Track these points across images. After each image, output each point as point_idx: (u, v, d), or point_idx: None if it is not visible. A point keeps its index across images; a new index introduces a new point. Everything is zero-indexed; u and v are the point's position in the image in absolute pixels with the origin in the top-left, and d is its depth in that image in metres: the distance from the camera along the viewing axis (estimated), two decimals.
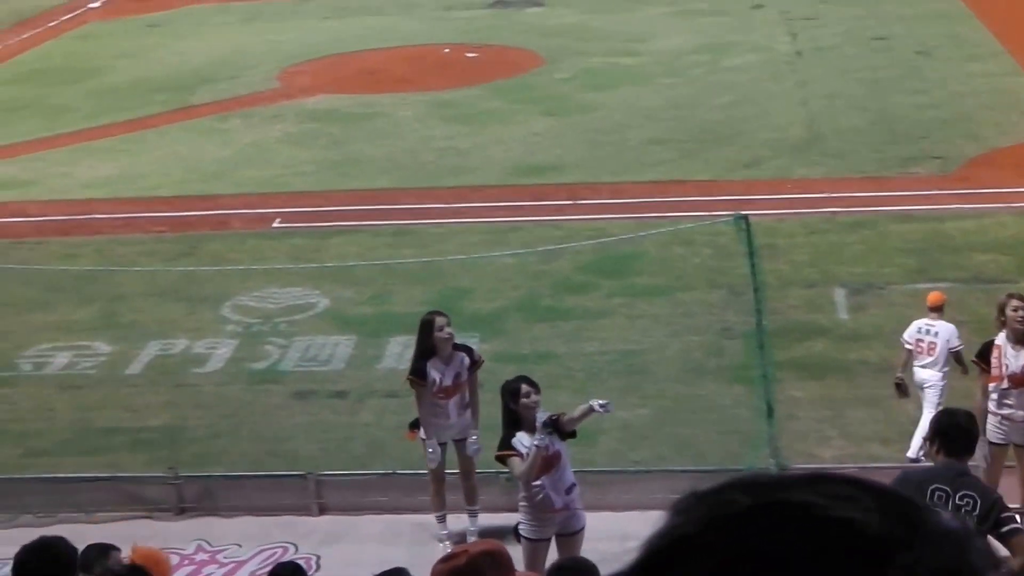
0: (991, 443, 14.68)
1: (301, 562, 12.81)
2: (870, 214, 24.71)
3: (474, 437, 15.25)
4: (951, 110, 30.32)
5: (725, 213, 22.16)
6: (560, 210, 25.49)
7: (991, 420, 14.70)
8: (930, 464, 12.31)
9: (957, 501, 10.51)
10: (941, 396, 16.29)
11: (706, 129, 29.90)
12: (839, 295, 21.70)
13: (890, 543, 1.51)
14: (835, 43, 36.33)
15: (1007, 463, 14.97)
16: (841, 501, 1.55)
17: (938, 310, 16.89)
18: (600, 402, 13.30)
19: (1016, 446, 14.72)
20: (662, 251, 23.09)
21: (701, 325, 20.64)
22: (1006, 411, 14.59)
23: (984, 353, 14.88)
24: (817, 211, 24.96)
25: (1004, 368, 14.62)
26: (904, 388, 16.77)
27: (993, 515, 10.65)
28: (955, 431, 11.07)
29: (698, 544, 1.54)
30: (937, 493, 10.53)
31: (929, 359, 16.53)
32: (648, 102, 32.09)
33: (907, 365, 16.80)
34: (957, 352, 16.45)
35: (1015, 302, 14.93)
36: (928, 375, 16.50)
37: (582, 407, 13.33)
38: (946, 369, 16.51)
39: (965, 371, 16.26)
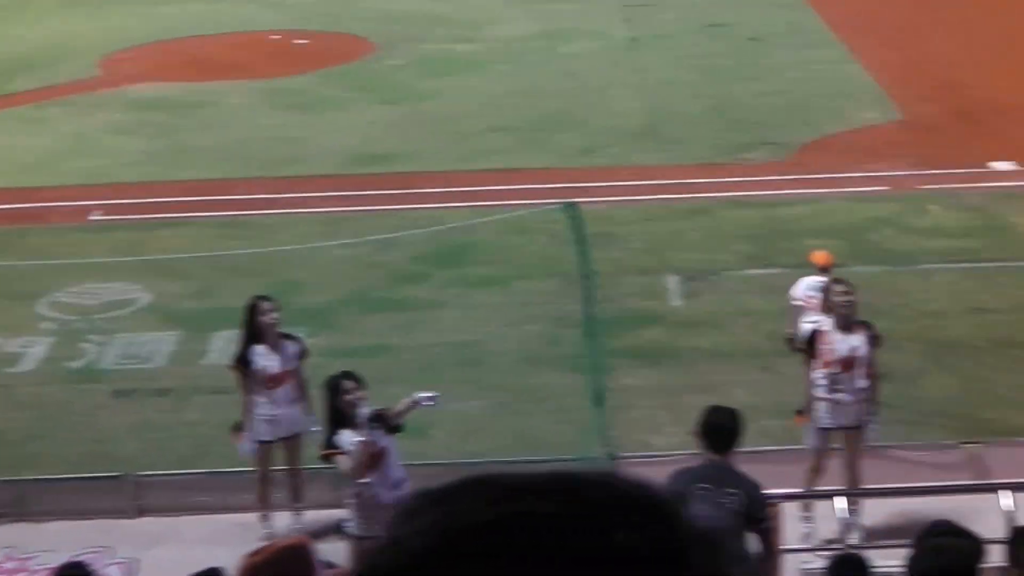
0: (820, 428, 14.74)
1: (116, 567, 12.53)
2: (706, 201, 24.68)
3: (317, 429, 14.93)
4: (785, 97, 30.45)
5: (559, 201, 22.04)
6: (395, 199, 25.11)
7: (821, 406, 14.71)
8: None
9: (722, 498, 10.90)
10: None
11: (543, 116, 29.71)
12: (673, 282, 21.57)
13: (648, 562, 1.43)
14: (671, 30, 36.42)
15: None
16: (595, 512, 1.45)
17: (827, 270, 17.13)
18: (425, 395, 13.18)
19: (845, 429, 14.64)
20: (498, 240, 22.90)
21: (537, 314, 20.44)
22: (836, 396, 14.54)
23: (809, 339, 14.78)
24: (653, 198, 24.90)
25: (832, 353, 14.49)
26: (795, 343, 16.75)
27: (755, 511, 11.12)
28: (717, 428, 11.49)
29: (428, 567, 1.43)
30: (702, 491, 10.83)
31: (818, 316, 16.25)
32: (485, 89, 31.89)
33: (795, 321, 16.98)
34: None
35: (839, 287, 15.12)
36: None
37: (406, 400, 13.23)
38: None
39: None
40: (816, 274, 17.23)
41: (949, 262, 21.95)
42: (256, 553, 7.58)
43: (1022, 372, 18.68)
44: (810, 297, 16.83)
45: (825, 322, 14.85)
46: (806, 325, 16.48)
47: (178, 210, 25.17)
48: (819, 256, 17.68)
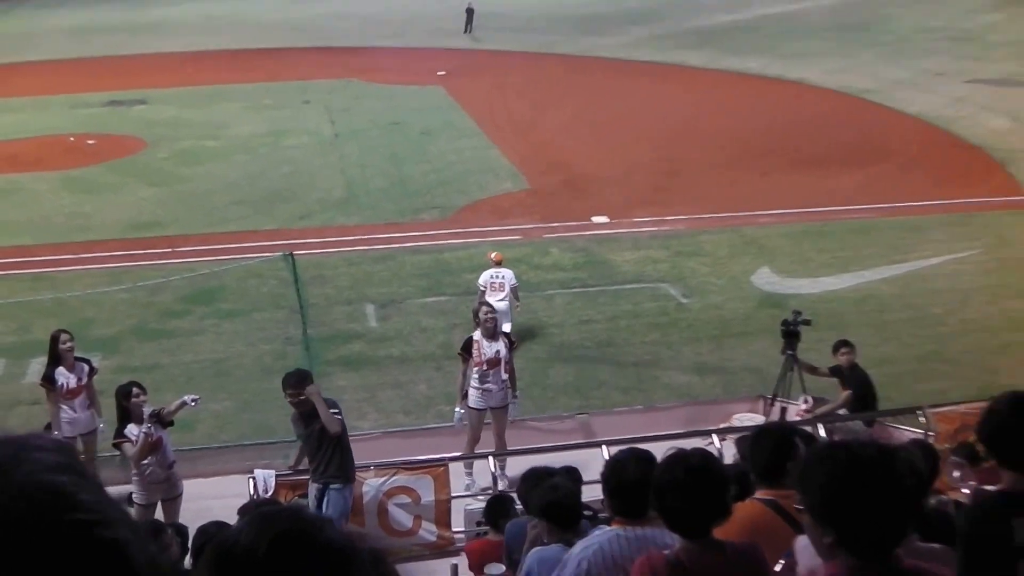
0: (472, 408, 14.94)
1: None
2: (391, 250, 24.78)
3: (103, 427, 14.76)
4: (446, 174, 30.69)
5: (280, 254, 22.03)
6: (163, 256, 24.68)
7: (473, 392, 14.90)
8: None
9: None
10: (510, 316, 18.73)
11: (271, 192, 29.46)
12: (370, 309, 21.66)
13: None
14: (364, 127, 36.44)
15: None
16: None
17: (500, 263, 19.45)
18: (191, 397, 13.10)
19: (492, 409, 14.90)
20: (239, 283, 22.68)
21: (270, 337, 20.30)
22: (486, 386, 14.79)
23: (466, 346, 15.03)
24: (354, 249, 24.87)
25: (482, 356, 14.77)
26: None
27: None
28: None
29: None
30: None
31: (501, 293, 18.84)
32: (228, 173, 31.47)
33: (482, 300, 17.91)
34: (515, 288, 19.16)
35: (485, 308, 15.31)
36: (502, 305, 18.24)
37: (176, 402, 13.03)
38: (511, 298, 18.98)
39: (518, 302, 19.29)
40: (493, 267, 19.36)
41: (565, 288, 22.47)
42: None
43: (617, 363, 19.26)
44: (492, 283, 19.05)
45: (476, 334, 15.11)
46: (493, 302, 17.58)
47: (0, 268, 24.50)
48: (496, 255, 19.92)
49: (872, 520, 3.41)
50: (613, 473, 5.92)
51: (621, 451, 6.45)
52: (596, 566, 5.65)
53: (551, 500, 7.90)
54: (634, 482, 5.67)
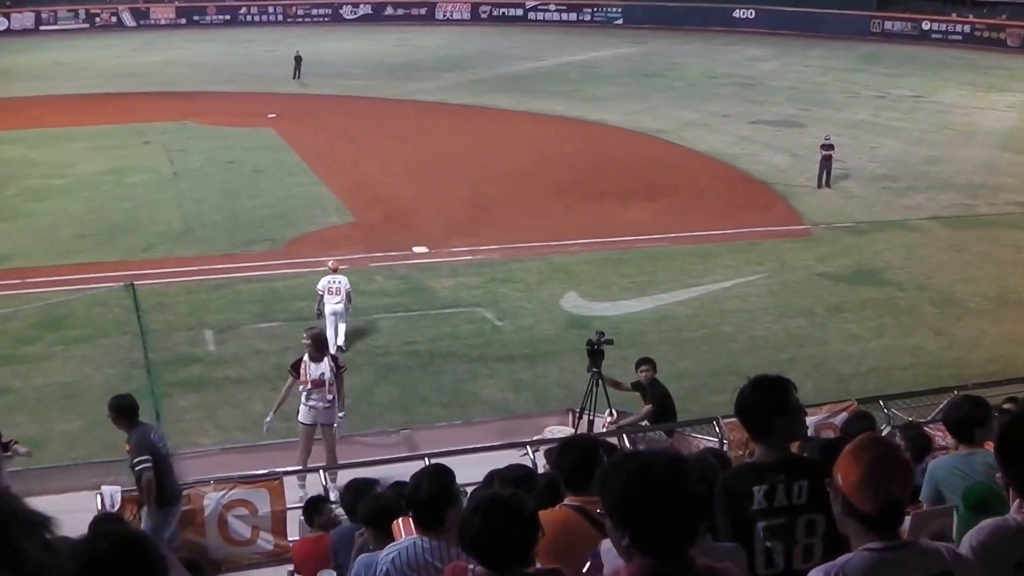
0: (302, 423, 14.88)
1: None
2: (227, 279, 24.41)
3: None
4: (277, 208, 30.27)
5: (124, 283, 21.56)
6: (13, 287, 23.81)
7: (302, 408, 14.91)
8: None
9: None
10: (344, 317, 20.32)
11: (114, 226, 28.63)
12: (209, 335, 21.27)
13: None
14: (200, 166, 35.68)
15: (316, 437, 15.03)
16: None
17: (336, 271, 20.57)
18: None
19: (322, 425, 14.78)
20: (87, 311, 22.05)
21: (115, 360, 19.79)
22: (311, 403, 14.72)
23: (295, 365, 14.91)
24: (192, 279, 24.40)
25: (308, 376, 14.68)
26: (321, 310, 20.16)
27: None
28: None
29: None
30: None
31: (337, 297, 20.09)
32: (73, 209, 30.45)
33: (321, 303, 20.18)
34: (349, 292, 20.28)
35: (305, 333, 15.32)
36: (338, 307, 20.06)
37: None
38: (346, 301, 20.20)
39: (351, 304, 20.51)
40: (330, 274, 20.47)
41: (389, 312, 22.40)
42: None
43: (439, 381, 19.26)
44: (330, 288, 20.17)
45: (305, 356, 14.99)
46: (331, 305, 20.11)
47: None
48: (333, 263, 21.05)
49: (663, 523, 3.45)
50: (414, 489, 6.02)
51: (421, 469, 6.60)
52: (398, 569, 5.83)
53: (374, 509, 7.97)
54: (429, 498, 5.86)
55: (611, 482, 3.57)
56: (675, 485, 3.46)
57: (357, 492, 9.25)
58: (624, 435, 13.85)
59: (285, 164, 35.88)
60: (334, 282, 20.25)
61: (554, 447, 7.81)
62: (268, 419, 15.22)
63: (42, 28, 79.50)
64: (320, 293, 20.22)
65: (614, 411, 15.61)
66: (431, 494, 5.88)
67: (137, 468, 11.51)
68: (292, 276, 24.46)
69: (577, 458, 6.05)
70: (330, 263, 21.11)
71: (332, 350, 17.48)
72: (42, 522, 1.27)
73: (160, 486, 11.62)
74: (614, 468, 3.64)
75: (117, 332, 21.02)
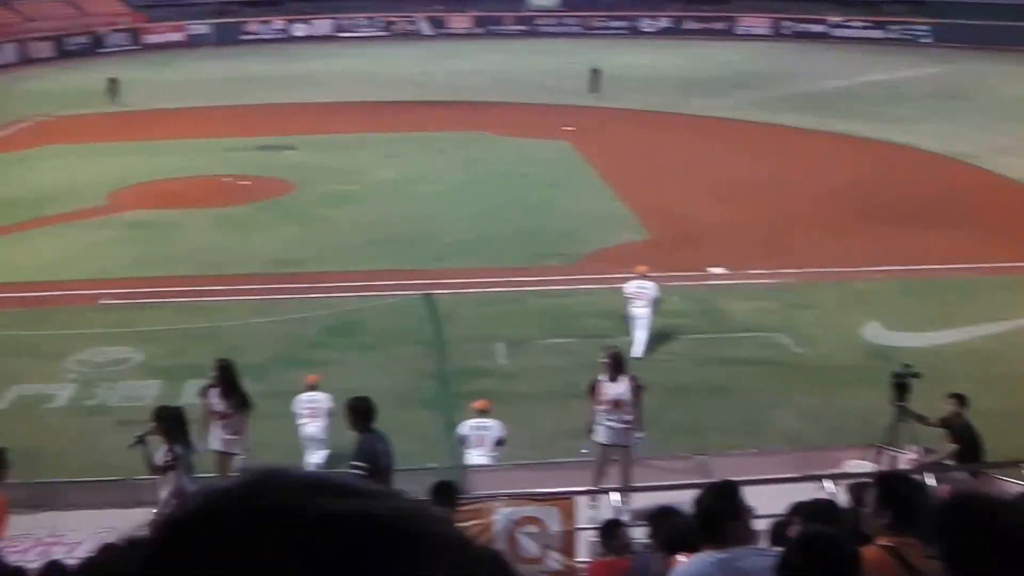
0: (597, 443, 15.00)
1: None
2: (519, 293, 24.79)
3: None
4: (571, 223, 30.61)
5: (420, 292, 22.20)
6: (306, 290, 24.94)
7: (598, 428, 15.01)
8: None
9: None
10: (647, 325, 20.81)
11: (407, 234, 29.64)
12: (500, 348, 21.65)
13: None
14: (494, 177, 36.56)
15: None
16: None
17: (645, 276, 21.06)
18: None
19: (617, 446, 14.86)
20: (377, 318, 22.83)
21: (405, 369, 20.35)
22: (609, 423, 14.88)
23: (593, 387, 14.98)
24: (483, 291, 24.93)
25: (604, 396, 14.80)
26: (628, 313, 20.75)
27: None
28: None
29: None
30: None
31: (641, 302, 20.64)
32: (366, 216, 31.71)
33: (627, 307, 20.78)
34: (657, 300, 20.80)
35: (603, 352, 15.35)
36: (642, 312, 20.64)
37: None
38: (651, 308, 20.81)
39: (655, 311, 20.89)
40: (638, 279, 21.00)
41: (683, 334, 22.29)
42: None
43: (732, 407, 19.04)
44: (638, 292, 20.73)
45: (602, 375, 15.08)
46: (635, 310, 20.70)
47: (157, 297, 24.78)
48: (642, 268, 21.41)
49: (1010, 572, 3.28)
50: (699, 501, 6.07)
51: (709, 482, 6.63)
52: None
53: (672, 535, 8.02)
54: (713, 510, 5.90)
55: (956, 526, 3.39)
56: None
57: (662, 518, 9.21)
58: (929, 474, 13.34)
59: (580, 178, 36.30)
60: (643, 287, 20.83)
61: (862, 482, 7.62)
62: (584, 449, 15.42)
63: (340, 35, 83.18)
64: (628, 296, 20.92)
65: (919, 447, 15.11)
66: (717, 506, 5.89)
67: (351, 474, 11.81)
68: (585, 292, 24.65)
69: (904, 497, 5.86)
70: (639, 268, 21.57)
71: (637, 353, 19.17)
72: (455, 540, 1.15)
73: None
74: (959, 512, 3.47)
75: (407, 341, 21.66)
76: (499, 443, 15.96)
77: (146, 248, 28.99)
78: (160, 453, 13.35)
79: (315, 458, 16.35)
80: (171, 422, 13.48)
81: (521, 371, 20.54)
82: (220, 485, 1.09)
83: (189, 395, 19.04)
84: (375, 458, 12.11)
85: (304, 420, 16.72)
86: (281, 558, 1.01)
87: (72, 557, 11.87)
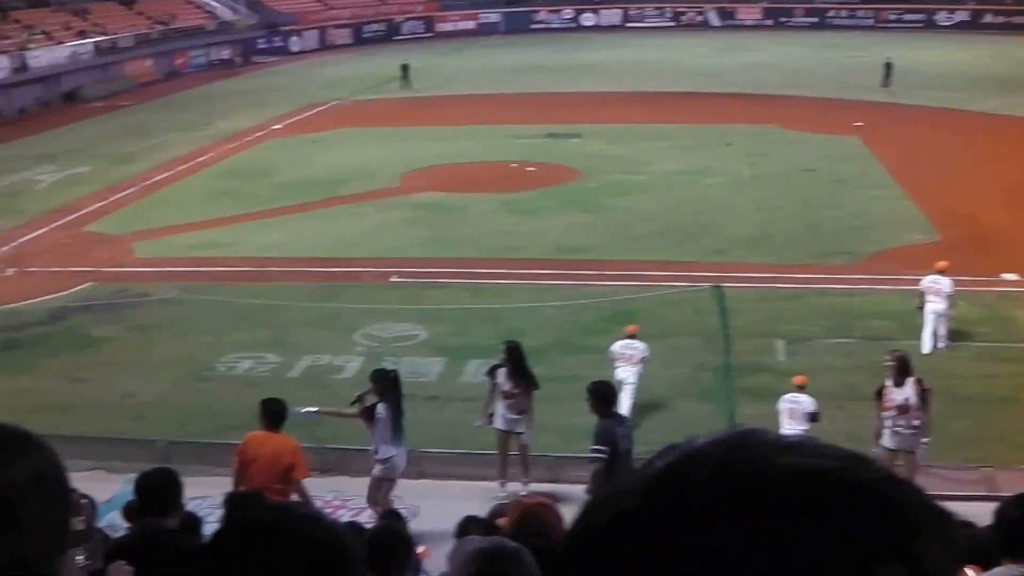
0: (884, 447, 14.75)
1: (404, 510, 12.72)
2: (800, 290, 24.55)
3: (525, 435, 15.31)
4: (857, 221, 30.05)
5: (696, 285, 22.23)
6: (588, 277, 25.35)
7: (885, 432, 14.81)
8: None
9: None
10: (945, 320, 20.49)
11: (689, 227, 29.72)
12: (779, 345, 21.50)
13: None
14: (780, 172, 36.17)
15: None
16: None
17: (943, 272, 20.60)
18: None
19: (901, 451, 14.59)
20: (658, 309, 22.96)
21: (681, 361, 20.44)
22: (896, 428, 14.69)
23: (878, 392, 14.81)
24: (764, 286, 24.78)
25: (890, 401, 14.63)
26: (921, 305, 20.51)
27: None
28: None
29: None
30: None
31: (938, 297, 20.26)
32: (650, 206, 31.95)
33: (922, 298, 20.43)
34: (951, 295, 20.30)
35: (887, 356, 15.17)
36: (940, 307, 20.26)
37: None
38: (947, 305, 20.48)
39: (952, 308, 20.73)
40: (935, 274, 20.62)
41: (969, 341, 21.66)
42: (519, 503, 7.52)
43: (1017, 417, 18.44)
44: (932, 285, 20.37)
45: (887, 379, 14.87)
46: (929, 304, 20.27)
47: (444, 277, 25.69)
48: (940, 264, 21.00)
49: None
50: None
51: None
52: None
53: (966, 548, 7.85)
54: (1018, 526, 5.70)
55: None
56: None
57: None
58: None
59: (869, 175, 35.56)
60: (936, 282, 20.47)
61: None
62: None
63: (628, 25, 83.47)
64: (921, 290, 20.61)
65: None
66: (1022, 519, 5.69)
67: (591, 456, 12.44)
68: (869, 293, 24.23)
69: None
70: (939, 263, 21.17)
71: (926, 349, 19.11)
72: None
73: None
74: None
75: (685, 333, 21.76)
76: (813, 418, 15.99)
77: (435, 230, 30.02)
78: (377, 407, 14.25)
79: (625, 400, 17.37)
80: (385, 383, 14.45)
81: (800, 369, 20.22)
82: (693, 444, 1.10)
83: (469, 374, 19.79)
84: (614, 441, 12.50)
85: (619, 364, 17.98)
86: (763, 516, 1.00)
87: (358, 521, 12.49)
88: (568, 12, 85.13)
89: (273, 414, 12.42)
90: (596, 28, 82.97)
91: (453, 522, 8.86)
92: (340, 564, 1.81)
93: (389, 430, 14.16)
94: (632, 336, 18.41)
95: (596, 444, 12.55)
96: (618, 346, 18.34)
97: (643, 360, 18.10)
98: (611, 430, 12.63)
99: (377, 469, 14.26)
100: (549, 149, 40.23)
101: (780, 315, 23.13)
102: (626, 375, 17.84)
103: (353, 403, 14.48)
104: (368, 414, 14.12)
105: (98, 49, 64.89)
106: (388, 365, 15.66)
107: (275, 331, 22.75)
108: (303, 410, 14.69)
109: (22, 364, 21.71)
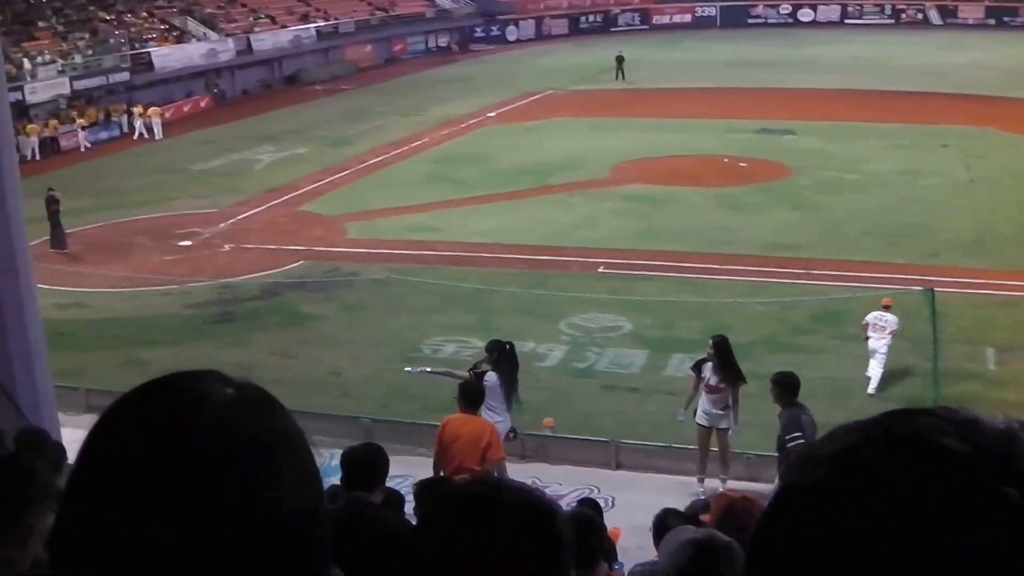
0: None
1: (601, 500, 12.72)
2: (1016, 298, 23.70)
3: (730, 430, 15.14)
4: None
5: (915, 288, 21.64)
6: (797, 276, 24.96)
7: None
8: None
9: None
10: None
11: (903, 228, 28.94)
12: (989, 352, 20.81)
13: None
14: (998, 175, 34.95)
15: None
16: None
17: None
18: None
19: None
20: (867, 310, 22.41)
21: (890, 363, 19.91)
22: None
23: None
24: (978, 292, 24.01)
25: None
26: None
27: None
28: None
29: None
30: None
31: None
32: (863, 205, 31.25)
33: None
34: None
35: None
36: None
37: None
38: None
39: None
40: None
41: None
42: (722, 497, 7.48)
43: None
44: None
45: None
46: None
47: (652, 269, 25.65)
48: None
49: None
50: None
51: None
52: None
53: None
54: None
55: None
56: None
57: None
58: None
59: None
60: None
61: None
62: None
63: (847, 21, 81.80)
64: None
65: None
66: None
67: (789, 444, 12.52)
68: None
69: None
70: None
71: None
72: None
73: None
74: None
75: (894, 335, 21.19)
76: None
77: (644, 222, 29.97)
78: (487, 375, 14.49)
79: (873, 371, 18.74)
80: (500, 354, 14.80)
81: (1010, 378, 19.65)
82: (863, 421, 1.12)
83: (672, 368, 19.67)
84: (801, 428, 12.60)
85: (871, 334, 18.96)
86: (928, 486, 1.01)
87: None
88: (786, 7, 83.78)
89: (471, 395, 12.62)
90: (814, 24, 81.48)
91: (649, 514, 8.80)
92: (551, 541, 1.81)
93: (497, 399, 14.48)
94: (887, 308, 19.31)
95: (788, 432, 12.71)
96: (872, 316, 19.21)
97: (893, 332, 18.94)
98: (798, 418, 12.81)
99: None
100: (762, 145, 39.72)
101: (992, 322, 22.38)
102: (878, 345, 18.91)
103: (469, 370, 14.83)
104: (477, 380, 14.30)
105: (320, 34, 66.67)
106: (503, 338, 15.72)
107: (481, 316, 23.00)
108: (416, 370, 14.92)
109: (235, 337, 22.46)
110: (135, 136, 48.63)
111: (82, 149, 46.25)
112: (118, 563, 1.21)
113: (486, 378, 14.41)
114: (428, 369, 15.59)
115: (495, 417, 14.26)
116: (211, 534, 1.21)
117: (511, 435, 15.18)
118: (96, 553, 1.22)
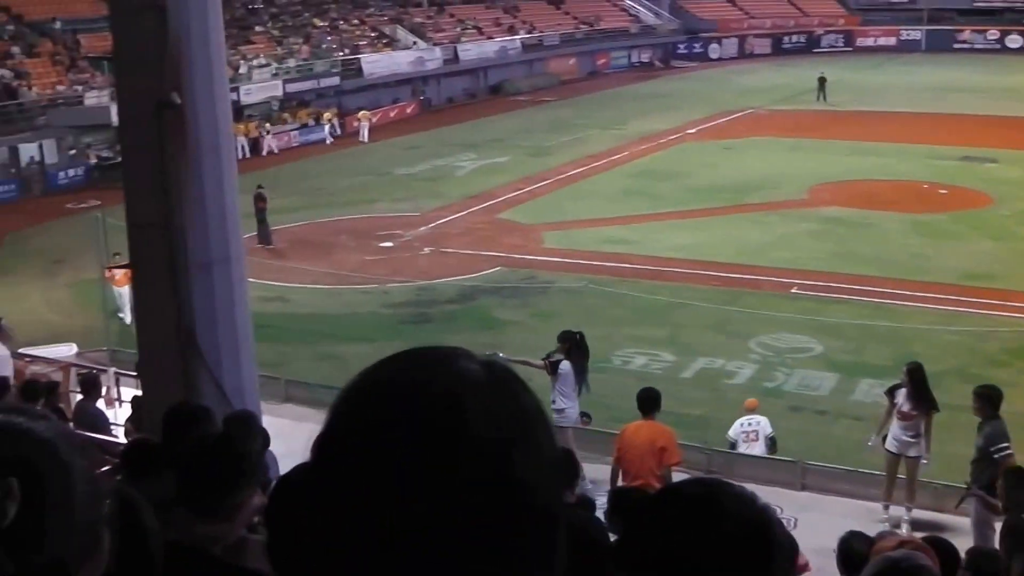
0: None
1: (784, 520, 12.58)
2: None
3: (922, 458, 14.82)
4: None
5: None
6: (993, 307, 24.22)
7: None
8: None
9: None
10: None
11: None
12: None
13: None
14: None
15: None
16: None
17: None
18: None
19: None
20: None
21: None
22: None
23: None
24: None
25: None
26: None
27: None
28: None
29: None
30: None
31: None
32: None
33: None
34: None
35: None
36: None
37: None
38: None
39: None
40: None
41: None
42: (886, 537, 7.17)
43: None
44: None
45: None
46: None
47: (845, 293, 25.22)
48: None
49: None
50: None
51: None
52: None
53: None
54: None
55: None
56: None
57: None
58: None
59: None
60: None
61: None
62: None
63: None
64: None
65: None
66: None
67: (997, 455, 12.42)
68: None
69: None
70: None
71: None
72: None
73: None
74: None
75: None
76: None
77: (840, 244, 29.50)
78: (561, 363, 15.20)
79: None
80: (572, 343, 15.46)
81: None
82: None
83: (861, 392, 19.34)
84: (1008, 439, 12.64)
85: None
86: None
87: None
88: (993, 33, 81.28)
89: (648, 400, 12.75)
90: (1022, 51, 78.93)
91: (832, 537, 8.71)
92: (766, 546, 1.73)
93: (570, 385, 15.25)
94: None
95: (996, 444, 12.63)
96: None
97: None
98: (1003, 429, 12.76)
99: (553, 418, 14.29)
100: (963, 172, 38.61)
101: None
102: None
103: (544, 359, 15.43)
104: (552, 368, 15.18)
105: (525, 45, 67.38)
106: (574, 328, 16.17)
107: (671, 330, 23.00)
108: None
109: (430, 338, 22.81)
110: (358, 137, 50.02)
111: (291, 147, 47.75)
112: (371, 540, 1.17)
113: (560, 366, 15.18)
114: (501, 355, 15.63)
115: (567, 402, 15.21)
116: (472, 512, 1.18)
117: (584, 419, 16.15)
118: (346, 528, 1.18)
